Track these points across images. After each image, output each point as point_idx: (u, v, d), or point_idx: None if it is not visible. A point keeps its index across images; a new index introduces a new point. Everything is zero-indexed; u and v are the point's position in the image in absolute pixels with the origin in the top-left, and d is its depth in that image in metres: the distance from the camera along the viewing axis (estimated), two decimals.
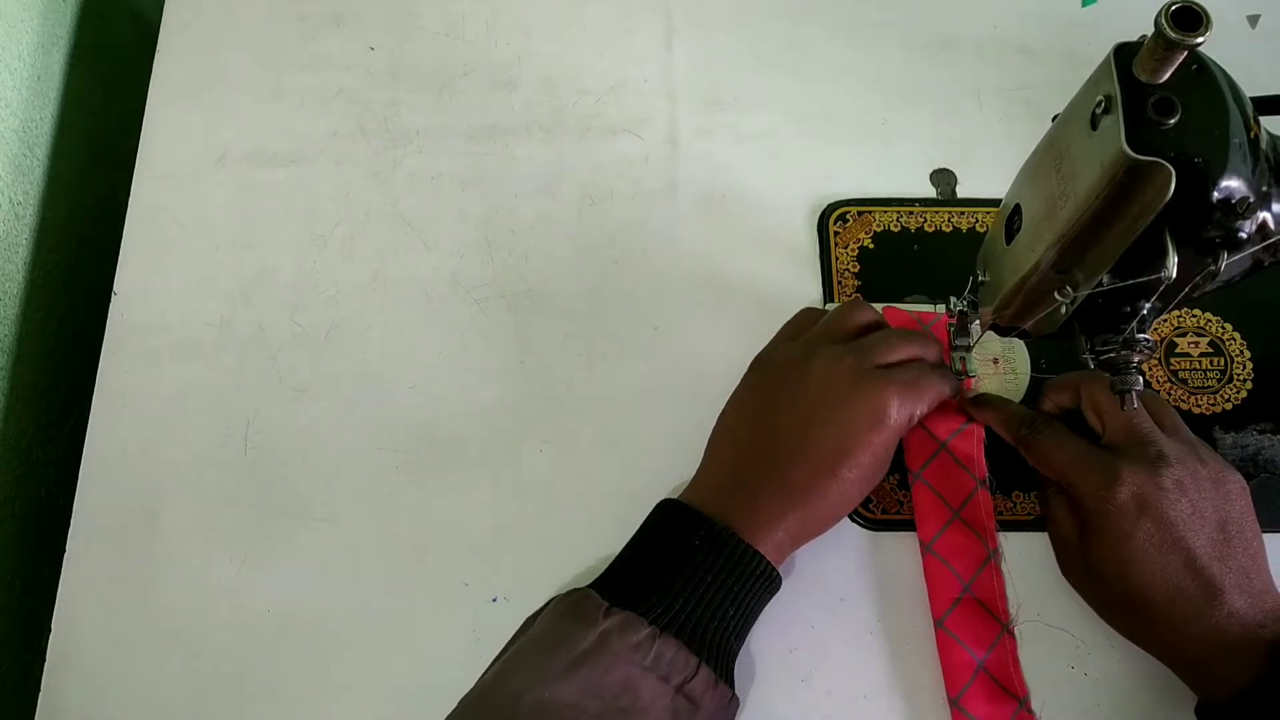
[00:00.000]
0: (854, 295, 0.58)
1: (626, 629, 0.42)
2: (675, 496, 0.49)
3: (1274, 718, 0.42)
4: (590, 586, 0.45)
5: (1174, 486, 0.45)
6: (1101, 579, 0.47)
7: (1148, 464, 0.46)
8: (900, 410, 0.47)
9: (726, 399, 0.52)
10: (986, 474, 0.52)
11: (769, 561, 0.46)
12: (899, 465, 0.53)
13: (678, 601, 0.44)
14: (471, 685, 0.44)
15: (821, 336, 0.51)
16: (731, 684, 0.45)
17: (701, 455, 0.50)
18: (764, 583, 0.46)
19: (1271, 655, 0.43)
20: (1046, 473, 0.50)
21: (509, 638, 0.47)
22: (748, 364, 0.52)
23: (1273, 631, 0.44)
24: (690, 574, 0.44)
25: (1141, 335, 0.41)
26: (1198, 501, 0.46)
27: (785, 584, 0.51)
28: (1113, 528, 0.46)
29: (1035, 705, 0.49)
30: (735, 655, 0.46)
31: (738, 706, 0.45)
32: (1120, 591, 0.46)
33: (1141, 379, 0.42)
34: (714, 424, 0.51)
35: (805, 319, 0.53)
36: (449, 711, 0.43)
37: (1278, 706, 0.42)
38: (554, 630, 0.44)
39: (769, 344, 0.53)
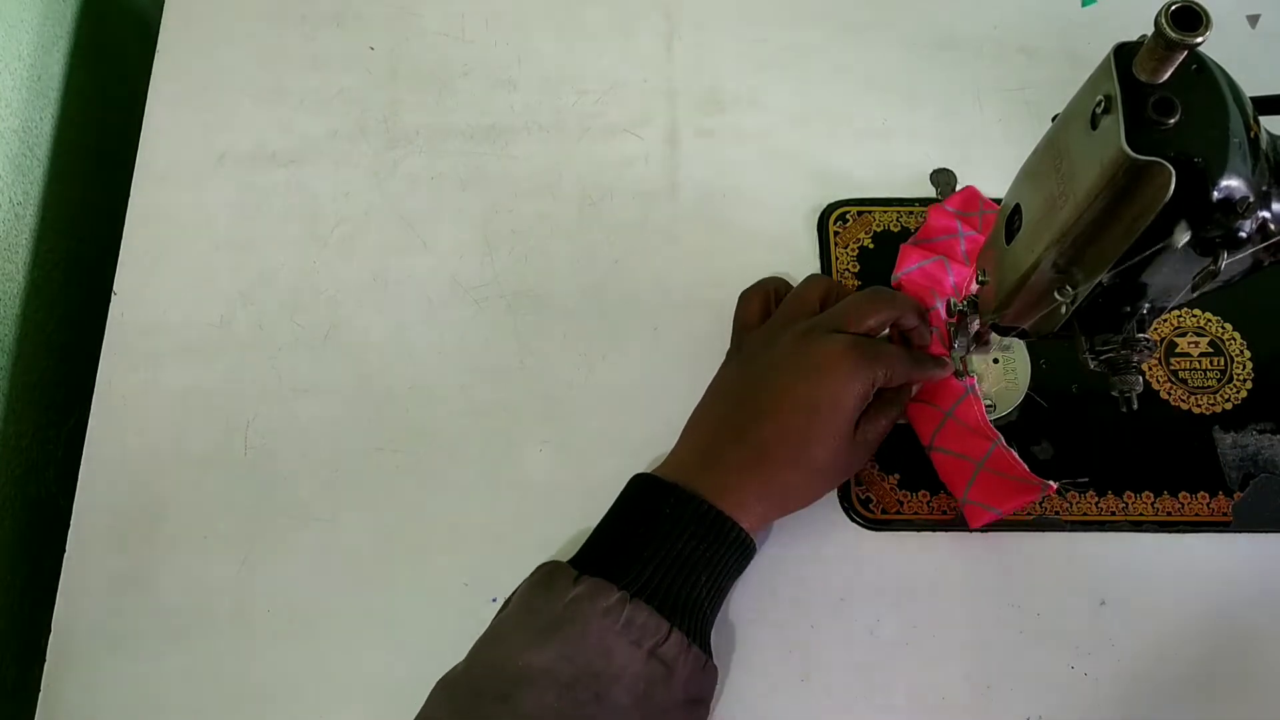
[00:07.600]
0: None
1: (596, 594, 0.43)
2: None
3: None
4: (566, 562, 0.46)
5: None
6: None
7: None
8: (859, 367, 0.47)
9: None
10: (998, 434, 0.51)
11: (739, 525, 0.46)
12: (897, 464, 0.54)
13: (648, 569, 0.44)
14: None
15: (783, 318, 0.52)
16: (708, 651, 0.45)
17: None
18: (736, 547, 0.46)
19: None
20: None
21: None
22: None
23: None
24: (660, 541, 0.45)
25: (1141, 335, 0.41)
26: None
27: (786, 585, 0.51)
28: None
29: (1035, 705, 0.49)
30: (711, 622, 0.46)
31: (716, 674, 0.46)
32: None
33: (1141, 379, 0.42)
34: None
35: (754, 305, 0.54)
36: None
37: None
38: (527, 602, 0.44)
39: (732, 342, 0.54)
